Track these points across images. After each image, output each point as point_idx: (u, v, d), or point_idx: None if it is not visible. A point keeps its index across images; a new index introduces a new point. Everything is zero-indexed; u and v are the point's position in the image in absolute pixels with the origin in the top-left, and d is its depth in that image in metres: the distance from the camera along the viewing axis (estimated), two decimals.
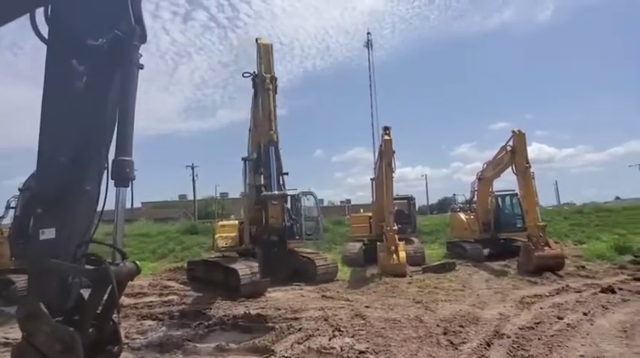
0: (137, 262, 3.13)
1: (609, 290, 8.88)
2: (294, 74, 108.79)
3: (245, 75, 8.88)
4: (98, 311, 3.05)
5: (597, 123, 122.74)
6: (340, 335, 6.42)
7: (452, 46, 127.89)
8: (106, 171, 3.06)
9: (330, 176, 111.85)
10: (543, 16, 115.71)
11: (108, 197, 3.08)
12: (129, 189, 3.07)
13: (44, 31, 3.17)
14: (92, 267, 2.96)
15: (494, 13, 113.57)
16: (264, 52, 8.10)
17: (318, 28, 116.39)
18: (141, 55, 3.17)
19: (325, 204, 59.48)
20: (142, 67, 3.15)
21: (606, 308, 7.52)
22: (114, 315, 3.13)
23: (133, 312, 8.75)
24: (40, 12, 3.17)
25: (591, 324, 6.58)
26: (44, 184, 3.07)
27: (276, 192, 7.21)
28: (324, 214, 18.22)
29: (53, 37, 3.13)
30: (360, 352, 5.59)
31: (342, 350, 5.71)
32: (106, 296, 2.96)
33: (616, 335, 5.98)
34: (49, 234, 2.94)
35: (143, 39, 3.16)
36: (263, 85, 7.86)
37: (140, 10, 3.15)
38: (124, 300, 9.73)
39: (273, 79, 8.04)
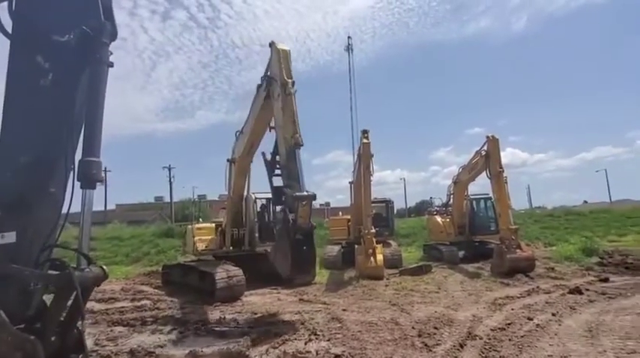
0: (104, 267, 3.02)
1: (576, 291, 9.22)
2: None
3: (262, 78, 9.08)
4: (62, 319, 2.93)
5: (567, 130, 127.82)
6: (316, 339, 6.39)
7: (430, 52, 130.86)
8: (72, 173, 2.95)
9: (310, 178, 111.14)
10: (517, 26, 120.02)
11: (75, 199, 2.97)
12: (100, 190, 2.97)
13: (8, 25, 3.03)
14: (55, 273, 2.84)
15: (471, 22, 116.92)
16: (284, 58, 8.27)
17: (299, 30, 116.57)
18: (111, 53, 3.07)
19: None
20: (111, 64, 3.05)
21: (573, 309, 7.80)
22: (78, 323, 3.01)
23: (104, 318, 8.45)
24: (3, 6, 3.04)
25: (559, 325, 6.80)
26: (4, 186, 2.92)
27: (305, 193, 7.40)
28: None
29: (17, 32, 2.99)
30: (336, 356, 5.58)
31: (317, 354, 5.69)
32: (70, 303, 2.85)
33: (582, 335, 6.19)
34: (8, 238, 2.81)
35: (113, 36, 3.07)
36: (284, 89, 8.01)
37: (110, 6, 3.06)
38: (94, 306, 9.41)
39: (294, 84, 8.22)
